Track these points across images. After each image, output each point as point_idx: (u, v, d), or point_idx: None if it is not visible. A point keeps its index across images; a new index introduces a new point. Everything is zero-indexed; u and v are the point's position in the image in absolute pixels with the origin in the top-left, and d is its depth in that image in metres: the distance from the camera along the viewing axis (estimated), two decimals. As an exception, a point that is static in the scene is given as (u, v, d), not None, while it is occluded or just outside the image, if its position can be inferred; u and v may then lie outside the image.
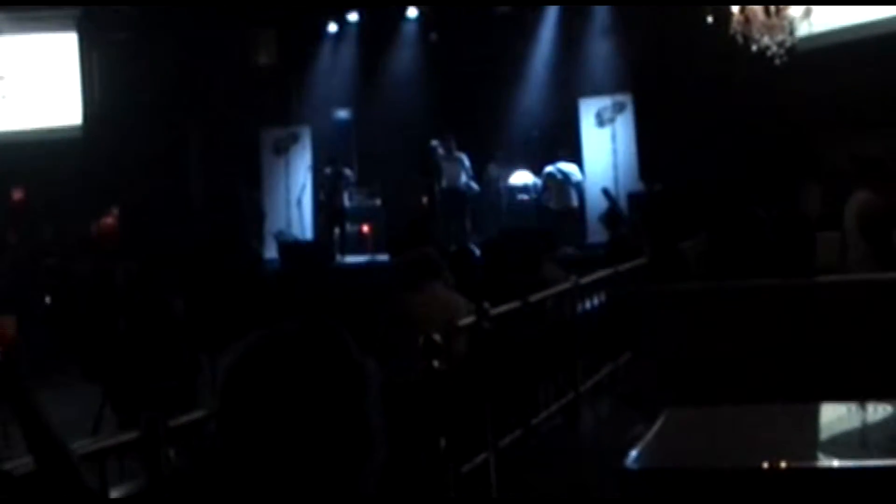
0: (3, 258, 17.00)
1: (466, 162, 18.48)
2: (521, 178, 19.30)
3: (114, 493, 3.86)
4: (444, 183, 18.34)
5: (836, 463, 3.63)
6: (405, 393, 5.83)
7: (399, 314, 7.05)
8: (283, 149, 21.01)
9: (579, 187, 18.58)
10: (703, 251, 8.98)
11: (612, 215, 14.87)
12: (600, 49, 19.18)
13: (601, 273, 10.54)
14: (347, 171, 19.51)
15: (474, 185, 18.66)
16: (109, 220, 18.91)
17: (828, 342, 6.70)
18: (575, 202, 18.56)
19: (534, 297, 8.45)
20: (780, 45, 13.78)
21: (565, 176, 18.47)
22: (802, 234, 7.97)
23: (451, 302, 7.16)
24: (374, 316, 7.14)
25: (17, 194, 18.30)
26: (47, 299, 15.65)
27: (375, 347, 6.71)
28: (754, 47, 13.89)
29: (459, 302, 7.20)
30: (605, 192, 17.05)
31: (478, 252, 11.18)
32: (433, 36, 20.41)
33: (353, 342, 2.05)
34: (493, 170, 19.51)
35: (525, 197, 19.17)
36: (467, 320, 6.98)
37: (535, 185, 19.13)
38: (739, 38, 13.87)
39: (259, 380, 2.00)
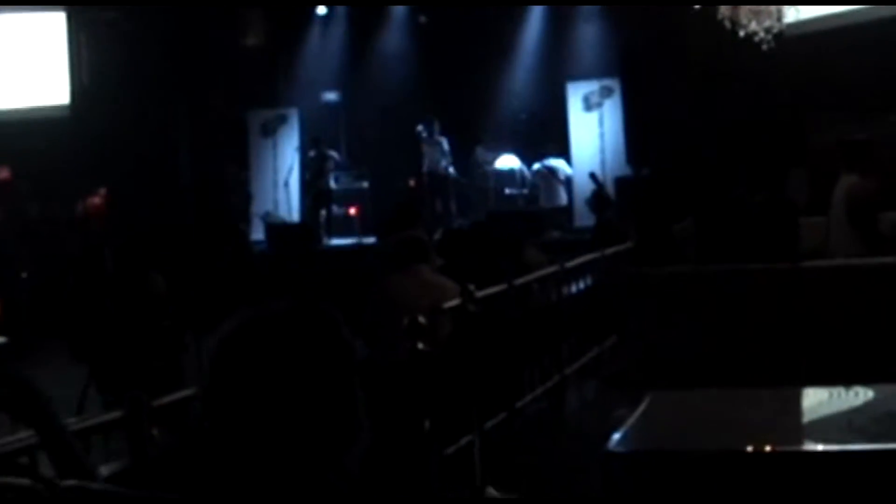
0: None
1: (446, 146, 18.43)
2: (508, 161, 19.25)
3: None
4: (425, 166, 18.32)
5: (820, 447, 3.64)
6: (390, 374, 5.84)
7: (386, 296, 7.05)
8: (270, 130, 20.95)
9: (569, 183, 18.56)
10: (689, 236, 9.00)
11: (598, 199, 14.86)
12: (588, 33, 19.16)
13: (587, 257, 10.56)
14: (332, 153, 19.43)
15: (451, 170, 18.61)
16: (97, 200, 18.82)
17: (813, 326, 6.73)
18: (564, 200, 18.56)
19: (520, 281, 8.47)
20: (768, 30, 13.76)
21: (553, 172, 18.46)
22: (788, 218, 7.99)
23: (437, 285, 7.16)
24: (361, 298, 7.15)
25: (3, 173, 18.17)
26: (34, 280, 15.61)
27: (362, 329, 6.72)
28: (742, 33, 13.87)
29: (446, 285, 7.20)
30: (592, 175, 17.03)
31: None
32: (422, 18, 20.35)
33: (343, 323, 2.05)
34: (480, 153, 19.45)
35: (514, 191, 19.13)
36: (452, 303, 6.98)
37: (521, 171, 19.09)
38: (727, 24, 13.85)
39: (249, 356, 2.00)
